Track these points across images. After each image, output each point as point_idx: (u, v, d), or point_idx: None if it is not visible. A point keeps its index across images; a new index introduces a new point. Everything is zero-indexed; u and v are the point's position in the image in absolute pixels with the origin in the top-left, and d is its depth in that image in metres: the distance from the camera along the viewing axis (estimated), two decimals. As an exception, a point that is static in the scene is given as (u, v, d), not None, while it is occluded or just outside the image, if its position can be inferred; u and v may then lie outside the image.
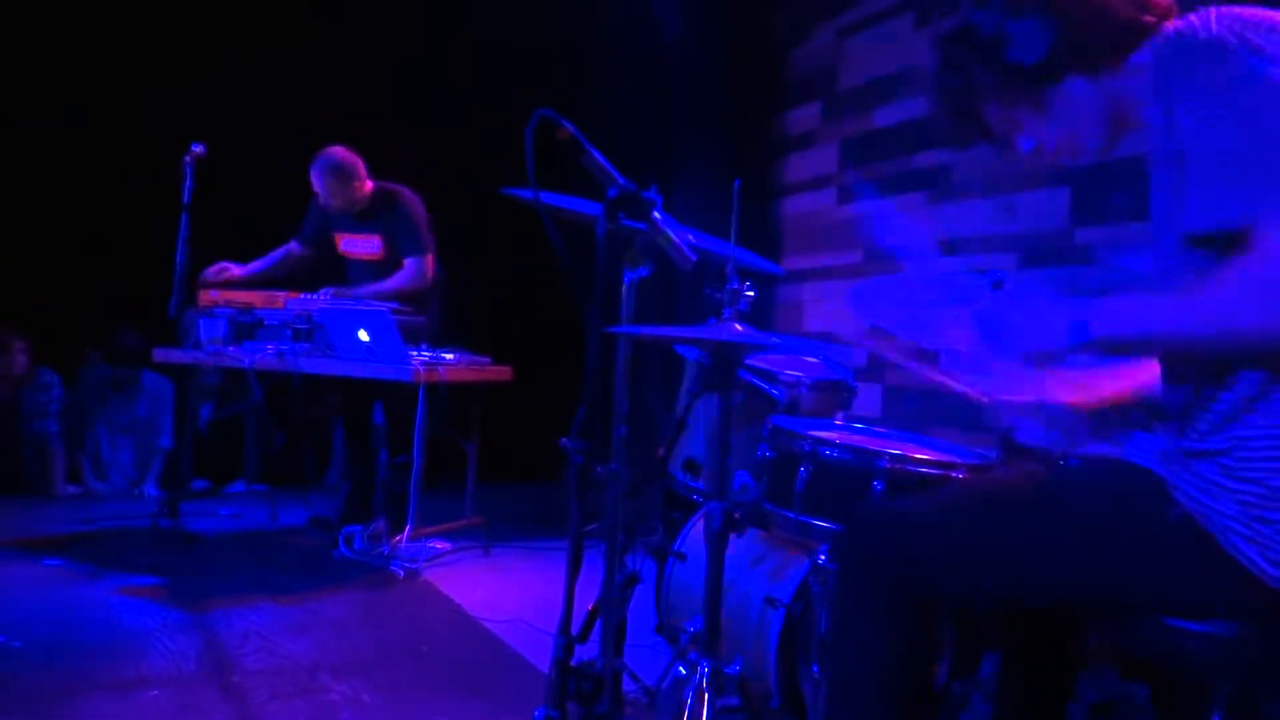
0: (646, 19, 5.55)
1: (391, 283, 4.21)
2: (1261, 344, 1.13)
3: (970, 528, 1.40)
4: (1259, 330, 1.10)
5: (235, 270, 4.29)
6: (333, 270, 4.42)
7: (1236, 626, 1.25)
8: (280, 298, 4.05)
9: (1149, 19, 1.30)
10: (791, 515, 2.06)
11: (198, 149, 4.04)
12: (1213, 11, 1.21)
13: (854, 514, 1.57)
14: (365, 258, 4.34)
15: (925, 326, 2.23)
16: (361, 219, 4.29)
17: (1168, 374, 1.34)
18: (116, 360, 5.24)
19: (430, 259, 4.25)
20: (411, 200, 4.28)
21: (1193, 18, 1.23)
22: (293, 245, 4.47)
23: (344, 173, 4.14)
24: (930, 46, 1.46)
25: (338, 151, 4.16)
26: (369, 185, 4.25)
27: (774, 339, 2.05)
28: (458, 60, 5.54)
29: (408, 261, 4.22)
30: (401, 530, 3.78)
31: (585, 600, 1.96)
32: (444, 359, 3.81)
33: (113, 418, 5.28)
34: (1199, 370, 1.26)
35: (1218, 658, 1.28)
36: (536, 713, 1.85)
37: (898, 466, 1.95)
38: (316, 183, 4.16)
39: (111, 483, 5.28)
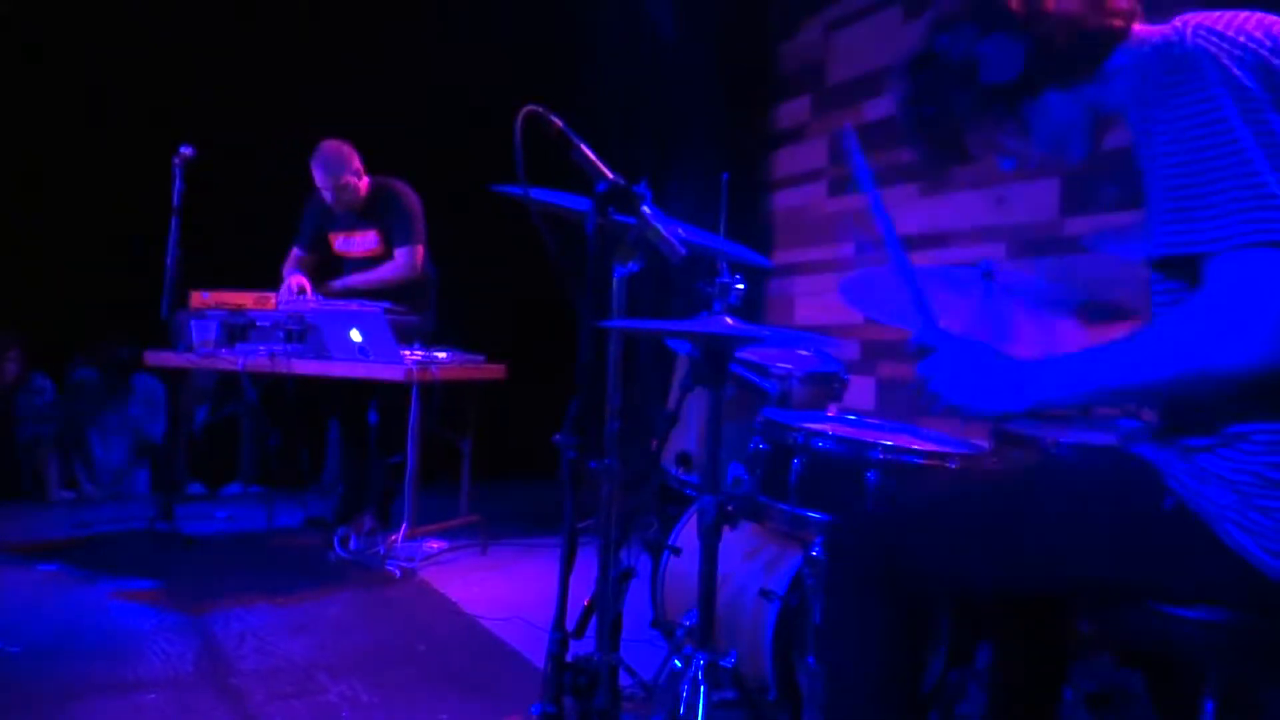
0: (637, 15, 5.55)
1: (379, 273, 4.22)
2: (1223, 382, 1.12)
3: (961, 519, 1.40)
4: (1216, 370, 1.10)
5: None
6: (331, 271, 4.42)
7: (1231, 614, 1.25)
8: (272, 298, 4.04)
9: (1116, 23, 1.30)
10: (785, 507, 2.07)
11: (187, 151, 4.04)
12: (1190, 22, 1.21)
13: (843, 511, 1.57)
14: (361, 255, 4.34)
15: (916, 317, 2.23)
16: (359, 216, 4.30)
17: None
18: (110, 370, 5.24)
19: (420, 250, 4.25)
20: (406, 193, 4.29)
21: (1171, 30, 1.22)
22: (296, 252, 4.46)
23: (332, 163, 4.15)
24: (897, 77, 1.44)
25: (330, 144, 4.18)
26: (365, 181, 4.25)
27: (764, 332, 2.05)
28: (450, 56, 5.53)
29: (398, 252, 4.23)
30: (390, 526, 3.78)
31: (581, 596, 1.97)
32: (437, 358, 3.81)
33: (105, 420, 5.26)
34: None
35: (1212, 645, 1.29)
36: (533, 709, 1.85)
37: (891, 458, 1.96)
38: (316, 176, 4.18)
39: (104, 485, 5.27)
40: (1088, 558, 1.30)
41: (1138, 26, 1.30)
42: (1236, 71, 1.14)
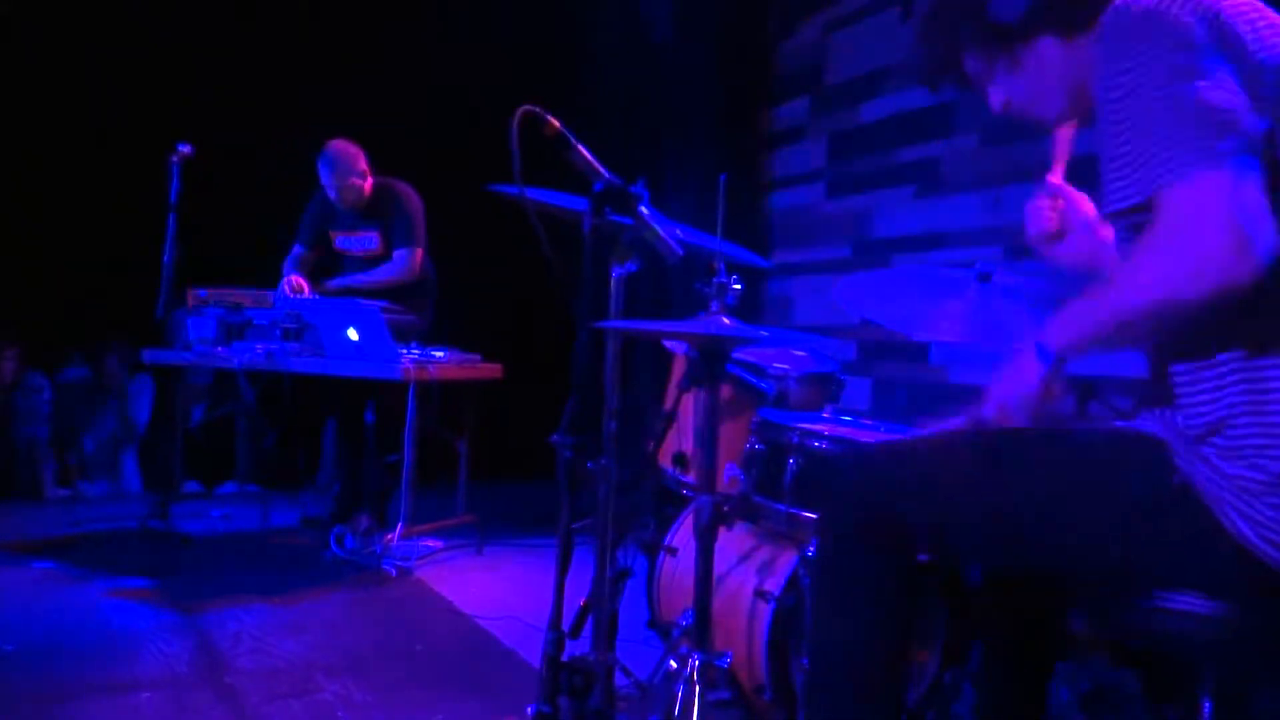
0: (636, 15, 5.55)
1: (377, 274, 4.23)
2: (1188, 310, 1.13)
3: (964, 479, 1.37)
4: (1177, 298, 1.12)
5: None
6: (330, 270, 4.42)
7: (1227, 605, 1.25)
8: (269, 296, 4.04)
9: None
10: (781, 508, 2.07)
11: (184, 149, 4.03)
12: None
13: (844, 463, 1.55)
14: (362, 255, 4.34)
15: (914, 319, 2.24)
16: (361, 215, 4.30)
17: (1151, 361, 1.36)
18: (101, 368, 5.25)
19: (419, 253, 4.26)
20: (409, 194, 4.31)
21: None
22: (297, 249, 4.44)
23: (339, 163, 4.16)
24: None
25: (337, 143, 4.19)
26: (370, 181, 4.26)
27: (761, 332, 2.06)
28: (449, 57, 5.53)
29: (396, 253, 4.24)
30: (386, 526, 3.78)
31: (578, 596, 1.97)
32: (434, 357, 3.80)
33: (98, 418, 5.27)
34: (1177, 354, 1.28)
35: (1208, 639, 1.28)
36: (529, 708, 1.85)
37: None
38: (322, 175, 4.20)
39: (98, 483, 5.27)
40: (1090, 526, 1.29)
41: None
42: (1188, 19, 1.17)
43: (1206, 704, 1.38)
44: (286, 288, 4.11)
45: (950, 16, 1.44)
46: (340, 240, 4.37)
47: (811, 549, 1.94)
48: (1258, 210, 1.10)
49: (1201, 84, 1.14)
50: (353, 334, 3.70)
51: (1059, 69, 1.39)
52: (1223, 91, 1.14)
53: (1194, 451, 1.23)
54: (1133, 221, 1.23)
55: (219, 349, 3.95)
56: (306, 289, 4.15)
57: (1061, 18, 1.36)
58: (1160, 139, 1.15)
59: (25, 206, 4.98)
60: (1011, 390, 1.33)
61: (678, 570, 2.44)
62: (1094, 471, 1.31)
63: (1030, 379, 1.31)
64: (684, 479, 2.54)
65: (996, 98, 1.47)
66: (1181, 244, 1.11)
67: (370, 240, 4.31)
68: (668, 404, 2.41)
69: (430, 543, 4.00)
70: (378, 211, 4.28)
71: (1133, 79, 1.19)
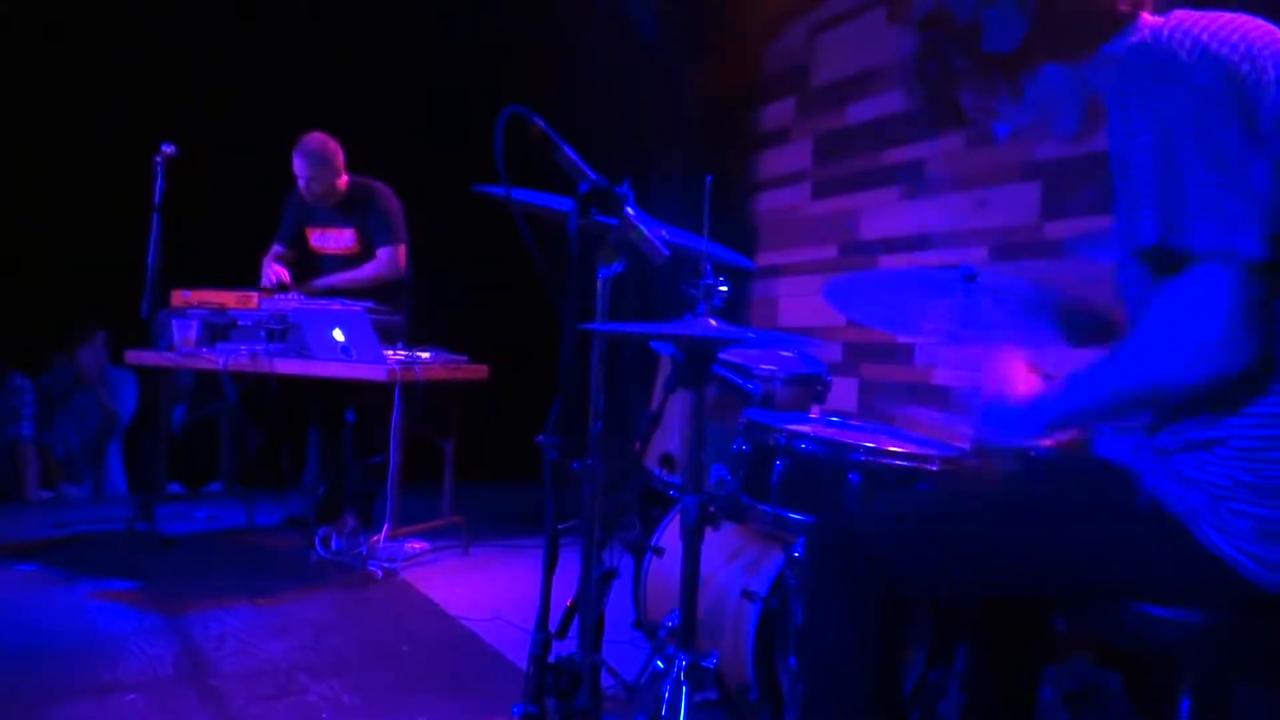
0: (621, 17, 5.55)
1: (362, 272, 4.25)
2: (1185, 393, 1.19)
3: (943, 526, 1.41)
4: (1171, 383, 1.17)
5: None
6: (309, 268, 4.41)
7: (1206, 614, 1.27)
8: (254, 297, 4.02)
9: (1124, 8, 1.31)
10: (767, 508, 2.07)
11: (168, 149, 4.01)
12: (1171, 22, 1.22)
13: (824, 513, 1.58)
14: (338, 252, 4.34)
15: (900, 320, 2.24)
16: (336, 212, 4.31)
17: None
18: (81, 370, 5.24)
19: (403, 250, 4.28)
20: (386, 193, 4.32)
21: (1156, 25, 1.24)
22: (276, 248, 4.45)
23: (320, 157, 4.16)
24: (907, 32, 1.46)
25: (317, 136, 4.19)
26: (344, 179, 4.25)
27: (748, 334, 2.06)
28: (434, 58, 5.52)
29: (380, 251, 4.26)
30: (372, 527, 3.78)
31: (564, 597, 1.97)
32: (419, 358, 3.80)
33: (78, 417, 5.24)
34: None
35: (1187, 644, 1.30)
36: (515, 709, 1.85)
37: (872, 459, 1.96)
38: (296, 167, 4.19)
39: (84, 484, 5.24)
40: (1067, 562, 1.32)
41: (1146, 15, 1.32)
42: (1200, 81, 1.15)
43: (1185, 703, 1.40)
44: (271, 274, 4.12)
45: (941, 53, 1.41)
46: (316, 237, 4.37)
47: (798, 550, 1.94)
48: (1258, 311, 1.13)
49: (1202, 146, 1.13)
50: (338, 335, 3.69)
51: (1065, 91, 1.37)
52: (1246, 169, 1.13)
53: (1166, 465, 1.25)
54: (1151, 267, 1.24)
55: (203, 350, 3.93)
56: (287, 276, 4.16)
57: (1061, 41, 1.33)
58: (1179, 200, 1.14)
59: (9, 207, 4.94)
60: (993, 438, 1.39)
61: (664, 571, 2.44)
62: (1062, 506, 1.35)
63: (1016, 434, 1.36)
64: (670, 480, 2.54)
65: (1001, 131, 1.46)
66: (1182, 332, 1.15)
67: (346, 238, 4.31)
68: (654, 405, 2.41)
69: (416, 544, 3.99)
70: (354, 209, 4.29)
71: (1161, 120, 1.17)
